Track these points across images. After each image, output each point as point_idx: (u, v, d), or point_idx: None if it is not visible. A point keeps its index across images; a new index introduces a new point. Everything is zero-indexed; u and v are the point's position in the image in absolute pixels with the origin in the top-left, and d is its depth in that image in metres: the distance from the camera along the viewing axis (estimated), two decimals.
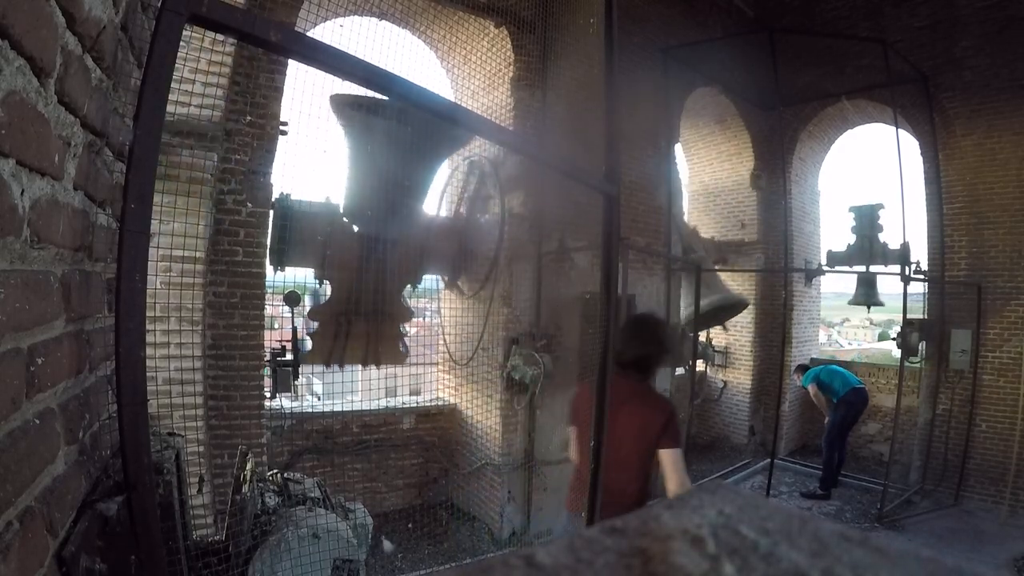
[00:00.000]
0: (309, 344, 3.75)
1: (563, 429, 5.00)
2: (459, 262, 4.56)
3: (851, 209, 6.44)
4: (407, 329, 4.29)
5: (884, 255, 6.07)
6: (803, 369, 6.45)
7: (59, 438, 0.77)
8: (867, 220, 6.28)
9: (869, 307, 6.60)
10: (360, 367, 4.04)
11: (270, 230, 3.56)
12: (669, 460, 2.07)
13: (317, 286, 3.82)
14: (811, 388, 6.15)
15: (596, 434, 1.83)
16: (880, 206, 6.34)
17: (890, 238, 6.15)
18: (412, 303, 4.58)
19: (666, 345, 2.32)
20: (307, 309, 3.84)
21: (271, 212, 3.56)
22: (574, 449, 2.36)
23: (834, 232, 7.28)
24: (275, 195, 3.58)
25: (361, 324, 3.78)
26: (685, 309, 5.98)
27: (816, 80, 6.79)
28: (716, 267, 6.84)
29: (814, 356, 7.97)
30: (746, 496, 0.28)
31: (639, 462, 2.12)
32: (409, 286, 4.16)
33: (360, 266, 3.71)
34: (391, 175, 3.43)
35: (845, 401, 5.83)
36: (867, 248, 6.20)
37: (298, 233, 3.54)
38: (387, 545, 4.38)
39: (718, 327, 7.49)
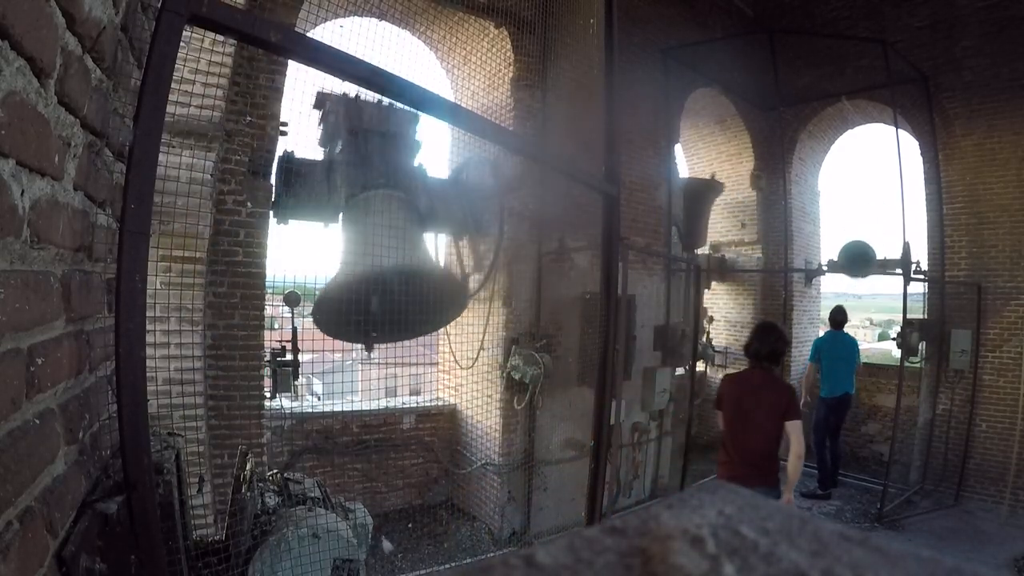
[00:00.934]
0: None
1: (559, 428, 5.02)
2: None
3: (841, 251, 6.38)
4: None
5: (884, 265, 6.05)
6: (836, 321, 5.97)
7: (59, 438, 0.77)
8: (858, 258, 6.23)
9: (865, 275, 6.39)
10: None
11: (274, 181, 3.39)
12: (793, 428, 2.94)
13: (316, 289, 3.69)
14: (810, 367, 6.02)
15: (595, 435, 1.83)
16: (868, 246, 6.31)
17: (890, 240, 6.16)
18: None
19: (789, 343, 3.28)
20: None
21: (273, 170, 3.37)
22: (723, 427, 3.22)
23: (834, 233, 7.28)
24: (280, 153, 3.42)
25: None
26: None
27: (816, 80, 6.80)
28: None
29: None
30: (746, 496, 0.28)
31: (772, 430, 2.97)
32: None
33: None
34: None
35: (827, 403, 5.81)
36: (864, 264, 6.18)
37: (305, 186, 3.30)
38: (387, 545, 4.38)
39: (717, 326, 7.48)
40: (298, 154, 3.20)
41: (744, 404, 3.04)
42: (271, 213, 3.54)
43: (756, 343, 3.18)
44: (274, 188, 3.28)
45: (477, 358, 4.79)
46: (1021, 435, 5.34)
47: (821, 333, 6.99)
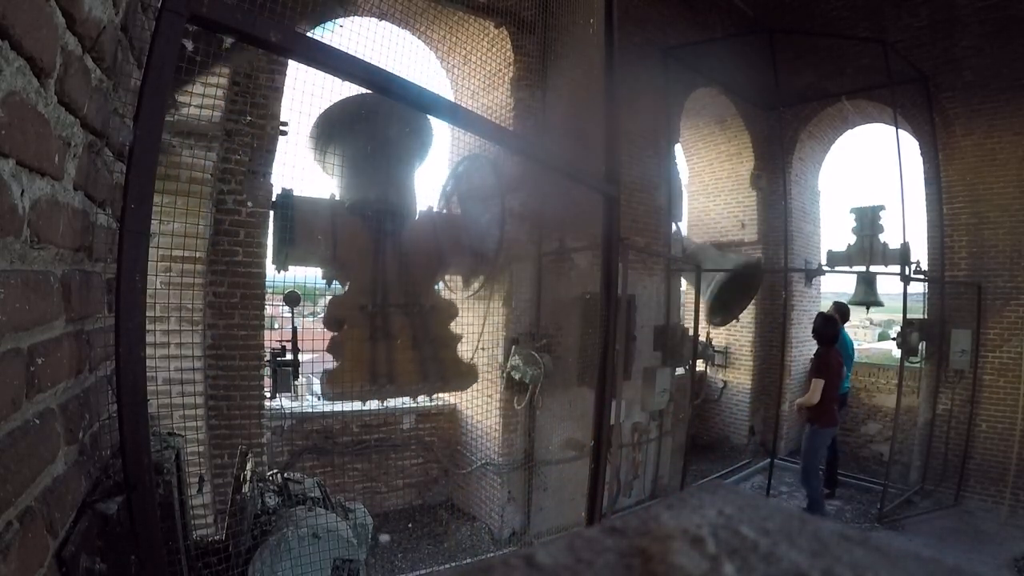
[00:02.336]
0: (329, 365, 3.04)
1: (559, 428, 5.02)
2: (469, 258, 4.38)
3: (852, 210, 6.37)
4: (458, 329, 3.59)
5: (884, 255, 6.04)
6: (844, 316, 5.92)
7: (59, 438, 0.77)
8: (868, 221, 6.22)
9: (868, 307, 6.53)
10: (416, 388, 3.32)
11: (271, 229, 3.49)
12: None
13: (319, 288, 3.69)
14: None
15: (595, 435, 1.83)
16: (881, 207, 6.29)
17: (890, 238, 6.15)
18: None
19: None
20: (320, 316, 3.40)
21: (271, 213, 3.52)
22: (816, 394, 4.74)
23: (834, 232, 7.27)
24: (276, 192, 3.54)
25: (398, 320, 3.07)
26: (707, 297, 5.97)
27: (816, 80, 6.79)
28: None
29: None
30: (746, 496, 0.28)
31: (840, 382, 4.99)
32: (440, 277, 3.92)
33: (377, 249, 3.22)
34: (382, 164, 3.34)
35: (842, 400, 5.86)
36: (867, 248, 6.17)
37: (302, 227, 3.32)
38: (383, 537, 4.37)
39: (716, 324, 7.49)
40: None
41: (840, 371, 4.87)
42: (270, 214, 3.55)
43: (838, 329, 5.04)
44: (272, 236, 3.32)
45: (473, 357, 4.78)
46: (1021, 435, 5.34)
47: None
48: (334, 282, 3.42)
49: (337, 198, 3.65)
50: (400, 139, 3.33)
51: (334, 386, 3.01)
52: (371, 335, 3.11)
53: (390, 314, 3.20)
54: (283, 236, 3.27)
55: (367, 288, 3.25)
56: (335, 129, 3.31)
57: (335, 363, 3.07)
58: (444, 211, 4.58)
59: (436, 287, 3.69)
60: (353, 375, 3.01)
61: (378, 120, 3.25)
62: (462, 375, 3.52)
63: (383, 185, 3.39)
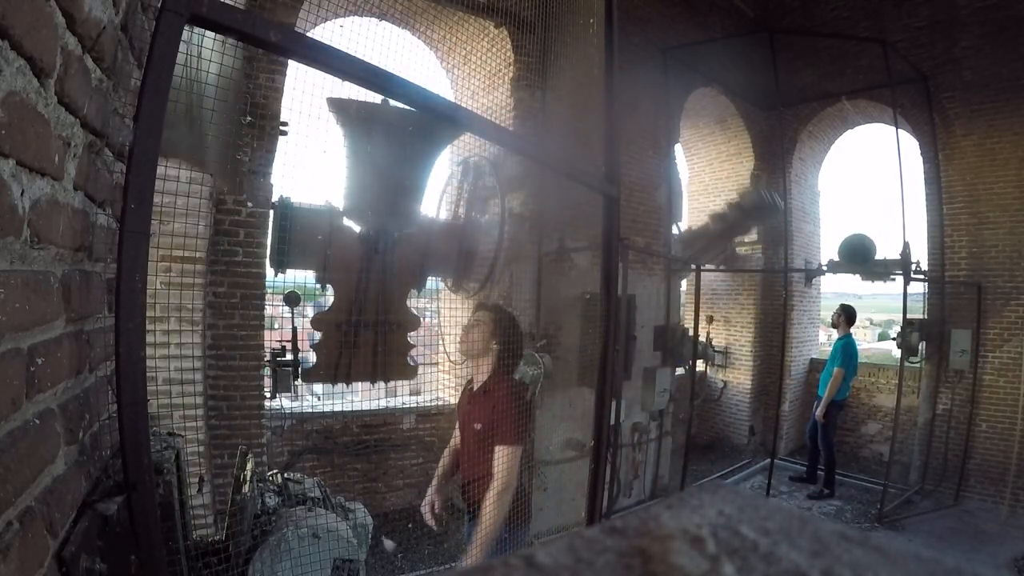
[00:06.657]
0: (312, 359, 3.57)
1: (559, 428, 5.02)
2: (461, 265, 4.45)
3: (840, 248, 6.21)
4: (416, 339, 4.04)
5: (885, 267, 6.00)
6: (848, 318, 5.90)
7: (59, 438, 0.77)
8: (858, 251, 6.13)
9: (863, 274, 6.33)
10: (368, 382, 3.79)
11: (270, 232, 3.50)
12: None
13: (318, 288, 3.71)
14: (838, 373, 5.74)
15: (595, 435, 1.83)
16: (868, 239, 6.17)
17: (890, 240, 6.14)
18: (412, 304, 4.44)
19: None
20: (309, 318, 3.69)
21: (271, 214, 3.51)
22: None
23: (834, 233, 7.26)
24: (275, 198, 3.54)
25: (367, 335, 3.58)
26: None
27: (816, 80, 6.80)
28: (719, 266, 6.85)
29: (814, 357, 7.94)
30: (746, 496, 0.28)
31: None
32: (413, 290, 4.03)
33: (362, 268, 3.55)
34: (389, 174, 3.39)
35: (841, 405, 5.91)
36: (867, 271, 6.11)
37: (299, 234, 3.44)
38: (388, 544, 4.37)
39: (717, 326, 7.49)
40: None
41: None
42: (270, 215, 3.55)
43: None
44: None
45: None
46: (1021, 435, 5.34)
47: (822, 333, 6.96)
48: (326, 286, 3.53)
49: (334, 203, 3.63)
50: (409, 141, 3.34)
51: (307, 378, 3.44)
52: (340, 348, 3.40)
53: (360, 331, 3.48)
54: (281, 246, 3.32)
55: (345, 307, 3.47)
56: (350, 125, 3.31)
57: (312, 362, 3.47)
58: (442, 218, 4.55)
59: (407, 302, 3.85)
60: (322, 374, 3.42)
61: (391, 129, 3.26)
62: (403, 375, 3.80)
63: (382, 201, 3.41)
